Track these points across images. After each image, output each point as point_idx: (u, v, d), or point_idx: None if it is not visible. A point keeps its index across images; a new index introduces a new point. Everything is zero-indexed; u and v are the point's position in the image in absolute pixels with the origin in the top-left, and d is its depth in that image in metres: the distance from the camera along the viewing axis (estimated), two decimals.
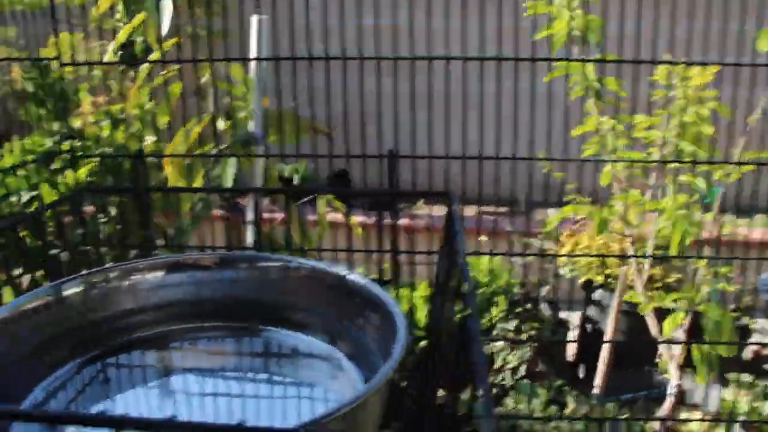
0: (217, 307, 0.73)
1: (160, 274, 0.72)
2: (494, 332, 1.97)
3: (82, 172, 1.30)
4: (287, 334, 0.72)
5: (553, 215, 2.23)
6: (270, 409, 0.62)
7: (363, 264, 0.91)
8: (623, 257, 1.68)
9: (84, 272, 0.69)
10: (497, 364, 1.94)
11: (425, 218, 0.85)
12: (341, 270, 0.70)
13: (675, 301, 1.70)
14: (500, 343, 2.00)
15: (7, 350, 0.61)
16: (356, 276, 0.69)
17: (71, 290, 0.68)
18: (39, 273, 0.86)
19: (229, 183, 1.61)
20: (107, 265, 0.70)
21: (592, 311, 2.32)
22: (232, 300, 0.73)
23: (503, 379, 1.90)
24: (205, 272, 0.73)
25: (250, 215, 1.57)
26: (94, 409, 0.62)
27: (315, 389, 0.66)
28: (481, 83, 0.94)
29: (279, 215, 1.44)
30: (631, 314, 2.21)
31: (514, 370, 1.96)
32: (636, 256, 1.70)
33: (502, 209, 0.86)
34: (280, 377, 0.68)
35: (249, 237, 1.60)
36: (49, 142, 1.41)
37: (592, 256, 1.77)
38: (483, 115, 0.97)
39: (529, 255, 1.81)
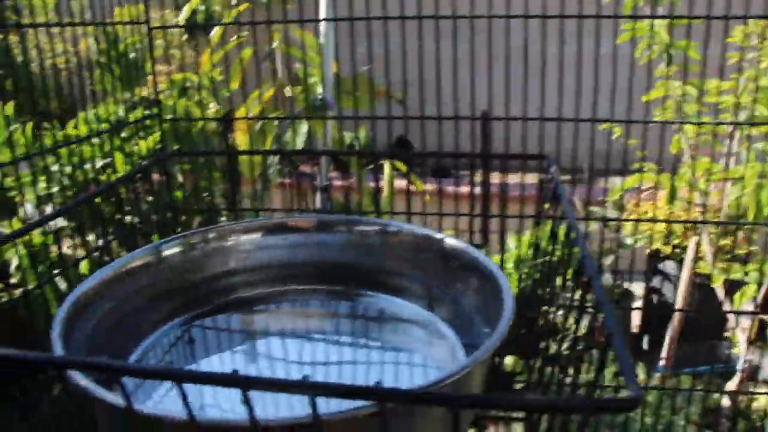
0: (313, 270, 0.72)
1: (256, 236, 0.72)
2: (559, 302, 1.94)
3: (152, 140, 1.31)
4: (384, 298, 0.71)
5: (618, 183, 2.18)
6: (367, 375, 0.61)
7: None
8: (699, 223, 1.62)
9: (182, 234, 0.69)
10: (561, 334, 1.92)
11: (511, 186, 0.83)
12: (440, 234, 0.68)
13: (746, 273, 1.64)
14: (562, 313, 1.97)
15: (111, 309, 0.62)
16: (456, 241, 0.67)
17: (170, 251, 0.68)
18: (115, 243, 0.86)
19: (298, 142, 1.61)
20: (205, 228, 0.70)
21: (657, 282, 2.27)
22: (328, 263, 0.72)
23: (568, 349, 1.87)
24: (302, 235, 0.73)
25: (318, 181, 1.57)
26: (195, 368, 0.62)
27: (414, 355, 0.64)
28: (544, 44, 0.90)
29: (347, 181, 1.43)
30: (699, 286, 2.16)
31: (577, 340, 1.94)
32: (712, 222, 1.64)
33: (566, 177, 0.84)
34: (378, 342, 0.67)
35: (318, 203, 1.60)
36: (120, 111, 1.42)
37: (671, 222, 1.71)
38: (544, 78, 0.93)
39: (616, 220, 1.77)
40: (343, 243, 0.72)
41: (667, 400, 1.49)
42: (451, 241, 0.67)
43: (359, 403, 0.40)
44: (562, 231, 0.64)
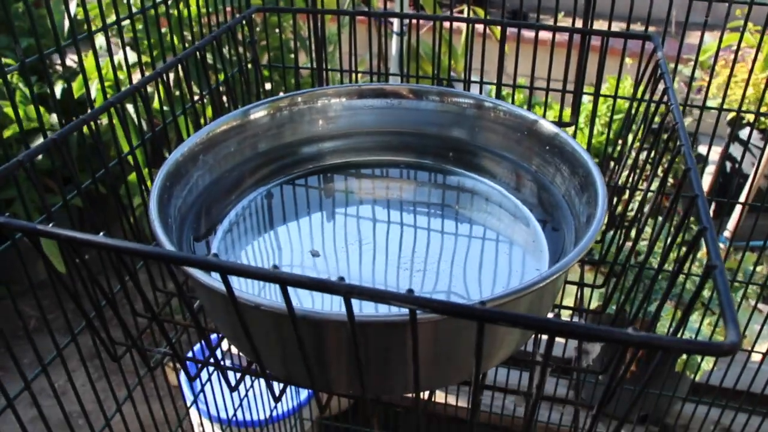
0: (402, 140, 0.71)
1: (346, 101, 0.70)
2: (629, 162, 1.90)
3: None
4: (472, 176, 0.70)
5: (709, 42, 2.04)
6: (442, 256, 0.61)
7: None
8: None
9: (270, 98, 0.68)
10: (626, 195, 1.89)
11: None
12: (534, 116, 0.65)
13: None
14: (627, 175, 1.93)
15: (201, 176, 0.62)
16: (553, 126, 0.64)
17: (259, 114, 0.67)
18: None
19: None
20: (294, 92, 0.68)
21: (736, 151, 2.19)
22: (417, 135, 0.71)
23: (633, 211, 1.85)
24: (393, 103, 0.71)
25: (396, 24, 1.51)
26: (281, 236, 0.64)
27: (499, 243, 0.64)
28: None
29: (423, 24, 1.36)
30: None
31: (642, 204, 1.91)
32: None
33: (651, 29, 0.77)
34: (459, 222, 0.66)
35: (394, 47, 1.55)
36: None
37: None
38: None
39: None
40: (436, 114, 0.70)
41: (729, 274, 1.48)
42: (548, 126, 0.65)
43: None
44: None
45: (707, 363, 1.27)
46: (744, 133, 2.19)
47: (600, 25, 0.76)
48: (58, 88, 1.77)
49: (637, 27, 0.85)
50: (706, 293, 1.34)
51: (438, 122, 0.70)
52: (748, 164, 2.15)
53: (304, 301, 0.53)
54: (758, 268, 1.78)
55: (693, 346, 0.34)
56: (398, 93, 0.71)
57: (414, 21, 0.94)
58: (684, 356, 1.31)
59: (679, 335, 0.43)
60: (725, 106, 0.91)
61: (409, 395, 0.95)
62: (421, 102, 0.70)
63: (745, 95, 0.88)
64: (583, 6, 0.75)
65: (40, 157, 0.51)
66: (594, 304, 1.37)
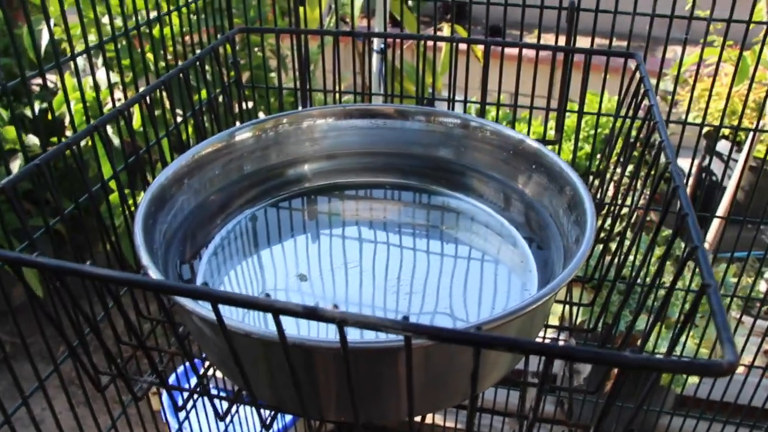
0: (387, 161, 0.71)
1: (331, 122, 0.70)
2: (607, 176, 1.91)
3: None
4: (458, 196, 0.69)
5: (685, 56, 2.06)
6: (429, 278, 0.61)
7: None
8: None
9: (255, 120, 0.67)
10: (612, 212, 1.90)
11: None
12: (521, 135, 0.65)
13: None
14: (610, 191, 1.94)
15: (187, 199, 0.61)
16: (539, 145, 0.64)
17: (244, 136, 0.67)
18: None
19: (357, 9, 1.54)
20: (279, 114, 0.68)
21: (713, 163, 2.22)
22: (403, 155, 0.70)
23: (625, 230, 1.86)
24: (378, 123, 0.70)
25: (376, 43, 1.51)
26: (267, 259, 0.63)
27: (486, 264, 0.64)
28: None
29: (405, 42, 1.36)
30: (755, 170, 2.11)
31: (628, 221, 1.92)
32: None
33: (622, 43, 0.78)
34: (446, 242, 0.66)
35: (375, 65, 1.55)
36: None
37: None
38: None
39: None
40: (421, 134, 0.70)
41: None
42: (534, 144, 0.65)
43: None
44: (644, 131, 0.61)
45: (693, 377, 1.27)
46: (720, 146, 2.22)
47: (583, 41, 0.77)
48: (37, 108, 1.75)
49: (620, 43, 0.85)
50: (687, 307, 1.35)
51: (424, 142, 0.70)
52: (725, 177, 2.18)
53: (293, 326, 0.52)
54: (733, 279, 1.80)
55: (692, 367, 0.34)
56: (384, 113, 0.70)
57: (396, 39, 0.94)
58: None
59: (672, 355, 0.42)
60: (700, 119, 0.92)
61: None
62: (407, 122, 0.70)
63: (721, 109, 0.89)
64: (566, 23, 0.75)
65: None
66: (578, 320, 1.37)
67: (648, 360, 0.34)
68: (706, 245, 1.87)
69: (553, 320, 1.27)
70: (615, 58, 0.75)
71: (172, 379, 1.33)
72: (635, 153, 0.70)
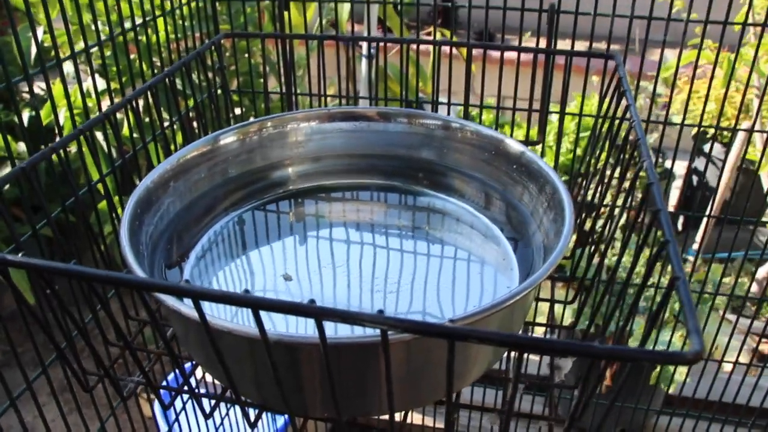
0: (371, 162, 0.72)
1: (315, 125, 0.71)
2: (596, 178, 1.93)
3: None
4: (441, 197, 0.70)
5: (671, 58, 2.09)
6: (415, 277, 0.62)
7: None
8: None
9: (240, 124, 0.68)
10: (594, 211, 1.92)
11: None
12: (502, 136, 0.67)
13: None
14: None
15: (172, 202, 0.62)
16: (518, 144, 0.65)
17: (228, 140, 0.67)
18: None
19: (344, 14, 1.55)
20: (264, 117, 0.69)
21: (700, 164, 2.23)
22: (386, 157, 0.71)
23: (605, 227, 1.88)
24: (361, 126, 0.71)
25: (365, 48, 1.52)
26: (253, 261, 0.64)
27: (470, 263, 0.65)
28: None
29: (392, 47, 1.37)
30: (743, 171, 2.12)
31: (608, 219, 1.94)
32: None
33: (615, 47, 0.79)
34: (430, 242, 0.67)
35: (363, 69, 1.56)
36: None
37: None
38: None
39: None
40: (403, 136, 0.71)
41: (697, 286, 1.51)
42: (515, 145, 0.66)
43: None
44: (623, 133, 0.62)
45: (680, 375, 1.28)
46: (708, 147, 2.24)
47: (564, 43, 0.78)
48: (25, 116, 1.76)
49: (600, 45, 0.87)
50: (677, 306, 1.36)
51: (407, 144, 0.71)
52: (713, 177, 2.20)
53: (278, 325, 0.53)
54: (726, 279, 1.82)
55: (657, 356, 0.35)
56: (366, 116, 0.71)
57: (382, 44, 0.95)
58: (657, 369, 1.33)
59: (647, 347, 0.43)
60: (689, 121, 0.93)
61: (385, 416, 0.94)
62: (390, 124, 0.71)
63: (705, 110, 0.91)
64: (547, 25, 0.77)
65: (7, 186, 0.51)
66: (567, 321, 1.38)
67: (614, 350, 0.35)
68: (695, 245, 1.88)
69: (541, 320, 1.28)
70: (597, 60, 0.77)
71: (170, 379, 1.34)
72: (615, 153, 0.71)
